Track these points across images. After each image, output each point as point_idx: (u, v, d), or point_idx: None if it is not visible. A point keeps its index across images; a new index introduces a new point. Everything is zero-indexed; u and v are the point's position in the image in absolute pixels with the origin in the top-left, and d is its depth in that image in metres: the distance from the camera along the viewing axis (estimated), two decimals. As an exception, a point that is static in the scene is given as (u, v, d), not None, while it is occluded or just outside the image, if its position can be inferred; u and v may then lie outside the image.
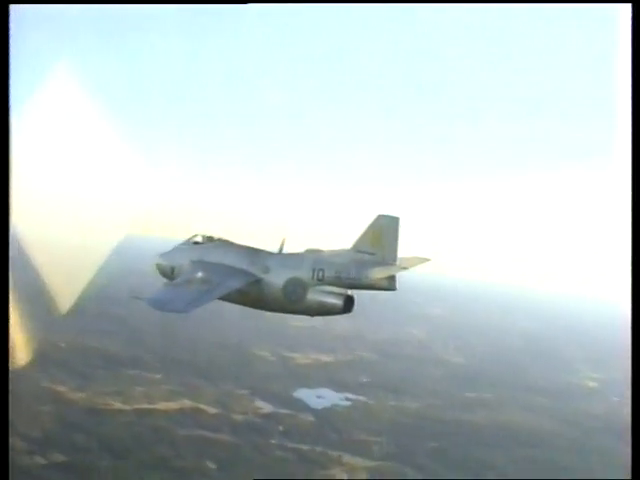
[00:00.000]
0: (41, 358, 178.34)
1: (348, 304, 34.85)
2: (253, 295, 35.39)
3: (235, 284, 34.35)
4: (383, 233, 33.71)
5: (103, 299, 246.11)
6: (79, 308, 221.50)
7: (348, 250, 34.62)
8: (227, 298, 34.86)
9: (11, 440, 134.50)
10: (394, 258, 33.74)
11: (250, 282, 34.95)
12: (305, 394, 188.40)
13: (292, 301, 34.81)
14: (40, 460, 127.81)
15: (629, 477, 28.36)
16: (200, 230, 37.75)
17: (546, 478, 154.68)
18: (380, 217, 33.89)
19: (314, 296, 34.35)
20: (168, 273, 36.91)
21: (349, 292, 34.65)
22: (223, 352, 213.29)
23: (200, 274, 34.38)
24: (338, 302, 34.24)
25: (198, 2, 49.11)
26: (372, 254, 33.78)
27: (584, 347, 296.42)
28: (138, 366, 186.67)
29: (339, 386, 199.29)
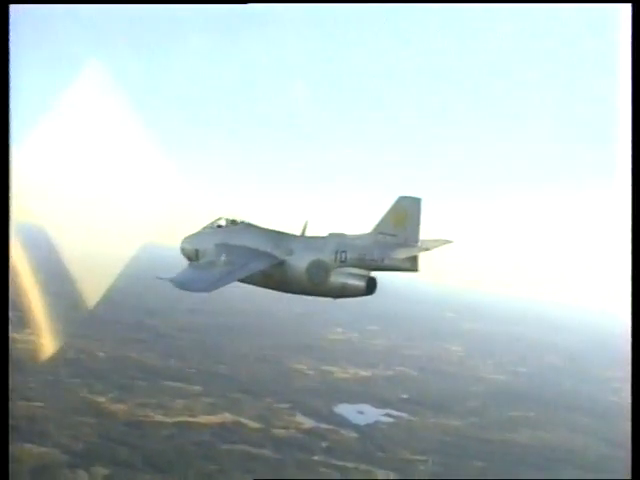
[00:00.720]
0: (79, 368, 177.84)
1: (371, 286, 34.89)
2: (277, 277, 35.80)
3: (259, 266, 34.97)
4: (405, 214, 34.00)
5: (138, 309, 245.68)
6: (115, 318, 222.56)
7: (370, 232, 34.91)
8: (251, 280, 35.56)
9: (52, 452, 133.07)
10: (416, 239, 33.97)
11: (274, 264, 35.43)
12: (346, 409, 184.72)
13: (315, 283, 34.98)
14: (83, 474, 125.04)
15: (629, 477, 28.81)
16: (223, 213, 38.44)
17: (546, 478, 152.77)
18: (402, 198, 34.24)
19: (337, 278, 34.54)
20: (193, 256, 37.65)
21: (371, 274, 34.81)
22: (261, 365, 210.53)
23: (224, 256, 35.13)
24: (361, 283, 34.35)
25: (199, 2, 50.27)
26: (394, 235, 34.09)
27: (623, 365, 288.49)
28: (177, 378, 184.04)
29: (379, 402, 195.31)
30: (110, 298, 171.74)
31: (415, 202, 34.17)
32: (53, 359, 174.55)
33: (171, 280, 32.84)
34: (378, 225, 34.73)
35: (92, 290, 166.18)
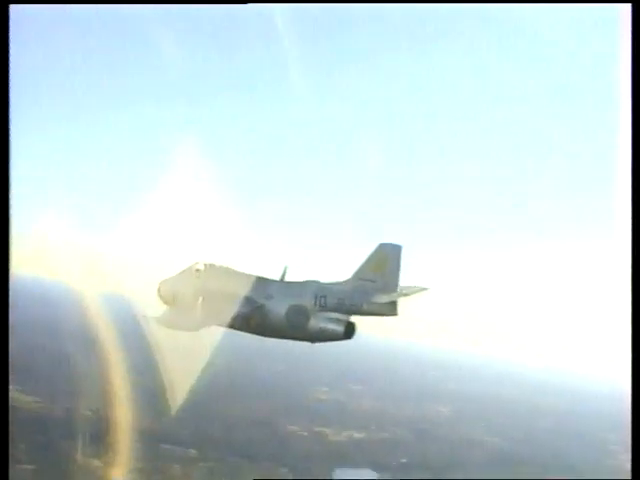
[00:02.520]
0: (69, 427, 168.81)
1: (349, 330, 36.16)
2: (256, 321, 36.96)
3: (239, 310, 36.11)
4: (385, 261, 34.87)
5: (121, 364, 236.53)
6: (95, 373, 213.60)
7: (350, 278, 36.18)
8: (230, 325, 36.62)
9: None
10: (395, 285, 35.06)
11: (253, 308, 36.68)
12: (344, 474, 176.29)
13: (295, 327, 36.21)
14: None
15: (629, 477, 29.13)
16: (201, 257, 38.96)
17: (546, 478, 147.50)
18: (382, 245, 35.43)
19: (316, 322, 35.83)
20: (170, 300, 38.76)
21: (350, 319, 36.01)
22: (254, 427, 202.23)
23: (204, 300, 36.45)
24: (339, 328, 35.69)
25: (199, 2, 51.46)
26: (373, 281, 34.98)
27: (614, 427, 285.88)
28: (169, 440, 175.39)
29: (379, 467, 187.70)
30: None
31: (395, 249, 35.23)
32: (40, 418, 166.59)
33: (157, 319, 34.48)
34: (358, 271, 36.11)
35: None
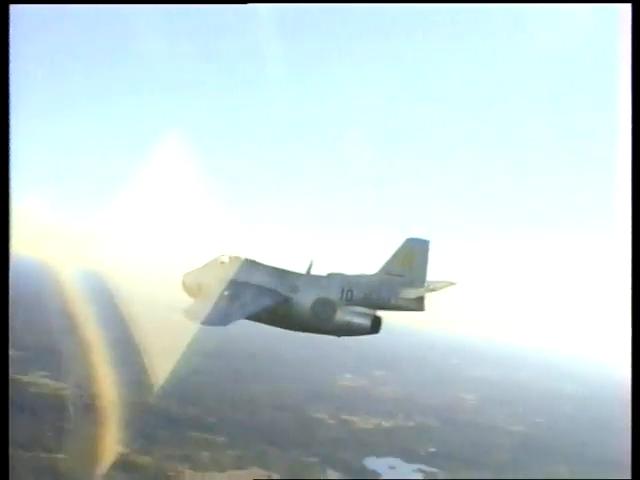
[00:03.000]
0: (97, 414, 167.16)
1: (375, 324, 35.31)
2: (281, 314, 35.75)
3: (265, 302, 34.99)
4: (413, 256, 34.46)
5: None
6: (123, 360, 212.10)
7: (377, 272, 35.50)
8: (257, 317, 35.42)
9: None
10: (423, 280, 34.52)
11: (279, 301, 35.40)
12: (375, 463, 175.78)
13: (321, 320, 35.16)
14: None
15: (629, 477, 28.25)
16: (226, 250, 38.01)
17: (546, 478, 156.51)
18: (410, 240, 34.83)
19: (342, 316, 34.90)
20: (195, 291, 37.21)
21: (376, 313, 35.22)
22: (281, 414, 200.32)
23: (230, 292, 34.94)
24: (366, 322, 34.85)
25: (198, 2, 51.22)
26: (401, 276, 34.56)
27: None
28: (199, 428, 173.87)
29: (408, 455, 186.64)
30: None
31: (423, 244, 34.72)
32: (70, 404, 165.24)
33: (185, 313, 32.66)
34: (385, 265, 35.35)
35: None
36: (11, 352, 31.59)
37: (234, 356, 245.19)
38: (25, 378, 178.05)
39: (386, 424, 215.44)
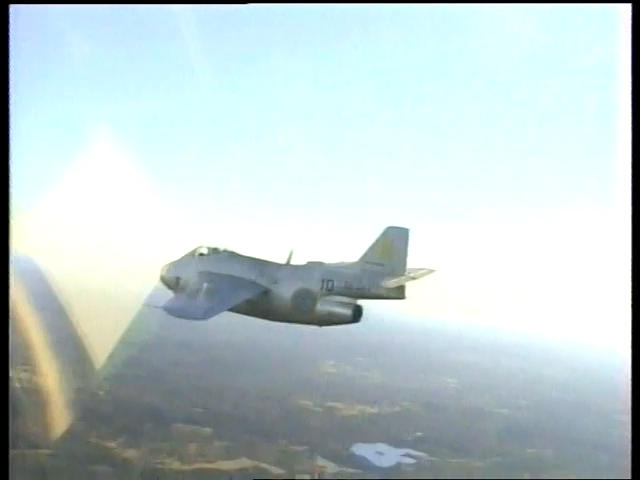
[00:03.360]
0: (84, 410, 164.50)
1: (356, 313, 35.24)
2: (262, 306, 35.71)
3: (245, 295, 34.88)
4: (392, 244, 34.35)
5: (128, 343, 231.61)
6: (107, 354, 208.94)
7: (357, 261, 35.33)
8: (236, 309, 35.10)
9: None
10: (403, 269, 34.40)
11: (259, 293, 35.38)
12: (364, 450, 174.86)
13: (301, 311, 35.18)
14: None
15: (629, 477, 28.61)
16: (204, 241, 37.83)
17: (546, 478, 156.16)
18: (390, 229, 34.64)
19: (323, 306, 34.94)
20: (173, 284, 36.91)
21: (357, 302, 35.25)
22: (265, 403, 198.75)
23: (210, 285, 34.58)
24: (347, 311, 34.81)
25: (198, 2, 51.41)
26: (381, 265, 34.43)
27: (620, 397, 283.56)
28: (185, 420, 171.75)
29: (395, 441, 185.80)
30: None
31: (403, 232, 34.56)
32: (54, 400, 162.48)
33: (164, 308, 31.87)
34: (365, 254, 35.09)
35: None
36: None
37: (214, 347, 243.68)
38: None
39: (371, 410, 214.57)
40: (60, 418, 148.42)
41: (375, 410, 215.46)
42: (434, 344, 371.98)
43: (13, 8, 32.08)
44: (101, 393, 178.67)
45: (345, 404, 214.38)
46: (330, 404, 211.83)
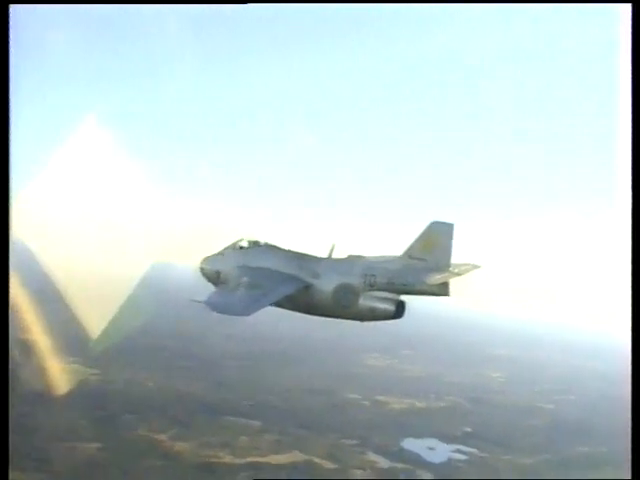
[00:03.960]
0: (132, 401, 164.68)
1: (399, 309, 34.43)
2: (303, 301, 34.99)
3: (286, 289, 33.94)
4: (437, 239, 33.56)
5: (172, 334, 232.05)
6: (150, 343, 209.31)
7: (400, 256, 34.53)
8: (277, 304, 34.09)
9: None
10: (448, 264, 33.65)
11: (300, 288, 34.49)
12: (414, 445, 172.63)
13: (343, 306, 34.36)
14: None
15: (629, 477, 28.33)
16: (244, 234, 37.14)
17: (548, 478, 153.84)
18: (434, 224, 33.85)
19: (365, 302, 34.12)
20: (213, 278, 36.24)
21: (400, 297, 34.35)
22: (312, 396, 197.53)
23: (250, 279, 33.83)
24: (390, 307, 34.08)
25: (198, 2, 51.39)
26: (424, 260, 33.63)
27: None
28: (234, 412, 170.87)
29: (444, 436, 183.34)
30: (135, 322, 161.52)
31: (447, 227, 33.75)
32: (99, 391, 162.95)
33: (207, 303, 31.27)
34: (408, 249, 34.35)
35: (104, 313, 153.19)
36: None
37: (258, 339, 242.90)
38: None
39: (419, 404, 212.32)
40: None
41: (423, 404, 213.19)
42: (475, 337, 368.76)
43: (13, 8, 31.94)
44: (150, 384, 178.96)
45: (393, 398, 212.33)
46: (378, 398, 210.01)
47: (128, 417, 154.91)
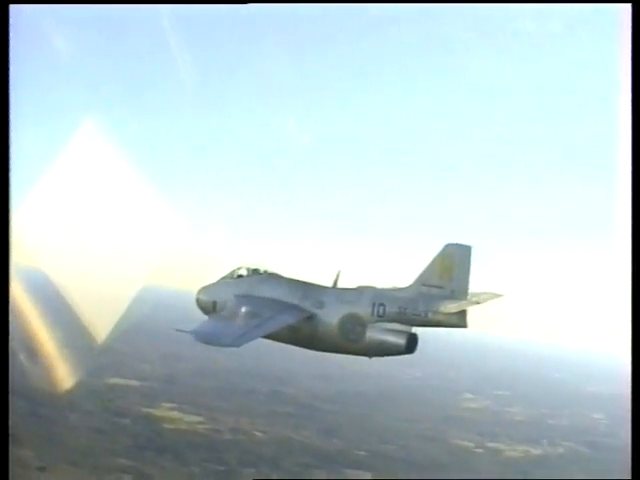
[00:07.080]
0: (243, 451, 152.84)
1: (411, 343, 31.81)
2: (306, 332, 32.66)
3: (287, 319, 31.97)
4: (453, 264, 30.96)
5: (249, 373, 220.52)
6: (234, 385, 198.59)
7: (412, 284, 31.97)
8: (277, 336, 32.35)
9: None
10: (465, 291, 30.95)
11: (303, 318, 32.42)
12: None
13: (349, 340, 32.14)
14: None
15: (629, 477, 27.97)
16: (244, 262, 35.22)
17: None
18: (449, 246, 31.31)
19: (374, 334, 31.72)
20: (209, 309, 34.39)
21: (412, 329, 31.73)
22: (424, 442, 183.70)
23: (247, 308, 31.98)
24: (400, 341, 31.42)
25: (198, 2, 50.19)
26: (440, 287, 31.07)
27: None
28: (350, 464, 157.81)
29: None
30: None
31: (464, 250, 31.09)
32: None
33: (192, 333, 29.52)
34: (421, 275, 31.84)
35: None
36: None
37: (345, 379, 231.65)
38: None
39: (535, 451, 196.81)
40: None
41: (538, 451, 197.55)
42: (554, 373, 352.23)
43: (13, 8, 31.71)
44: (258, 434, 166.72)
45: (505, 444, 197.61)
46: (490, 444, 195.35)
47: (246, 471, 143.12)
